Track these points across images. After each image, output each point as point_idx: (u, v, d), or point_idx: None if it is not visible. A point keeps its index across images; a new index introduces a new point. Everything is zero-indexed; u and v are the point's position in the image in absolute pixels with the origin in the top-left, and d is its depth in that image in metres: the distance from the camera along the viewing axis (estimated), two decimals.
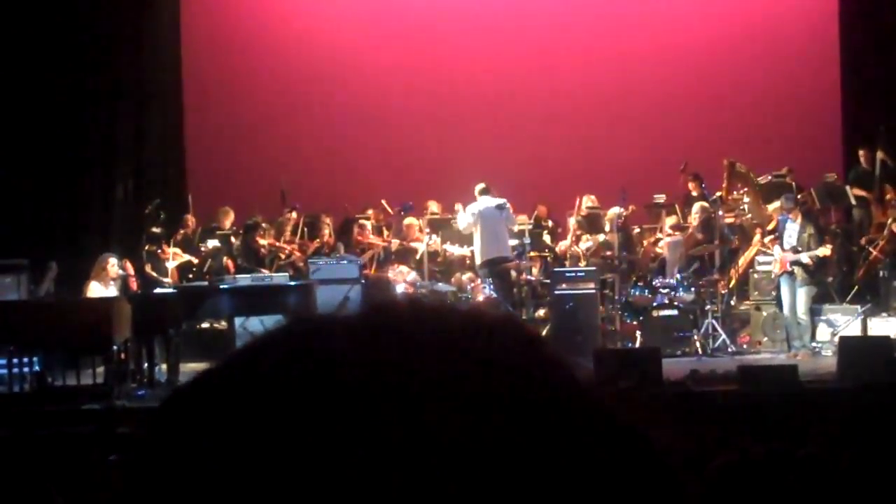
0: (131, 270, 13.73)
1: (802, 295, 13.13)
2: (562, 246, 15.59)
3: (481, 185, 14.67)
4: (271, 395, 0.74)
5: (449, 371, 0.75)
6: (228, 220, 15.74)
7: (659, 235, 15.23)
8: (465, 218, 14.68)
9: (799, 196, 14.26)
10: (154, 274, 14.28)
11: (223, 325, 14.10)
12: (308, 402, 0.73)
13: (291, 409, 0.72)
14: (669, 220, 15.15)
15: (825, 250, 13.10)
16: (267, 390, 0.74)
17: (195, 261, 15.08)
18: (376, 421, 0.71)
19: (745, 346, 13.74)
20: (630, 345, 13.49)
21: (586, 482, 0.73)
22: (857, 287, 14.45)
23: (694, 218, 14.72)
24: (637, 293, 14.07)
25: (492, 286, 14.20)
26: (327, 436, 0.71)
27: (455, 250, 15.32)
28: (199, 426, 0.75)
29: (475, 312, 0.83)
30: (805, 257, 13.00)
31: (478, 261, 14.57)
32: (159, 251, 14.52)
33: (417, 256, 15.04)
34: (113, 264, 13.15)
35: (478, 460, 0.71)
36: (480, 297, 14.10)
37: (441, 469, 0.70)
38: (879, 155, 15.11)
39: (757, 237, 14.47)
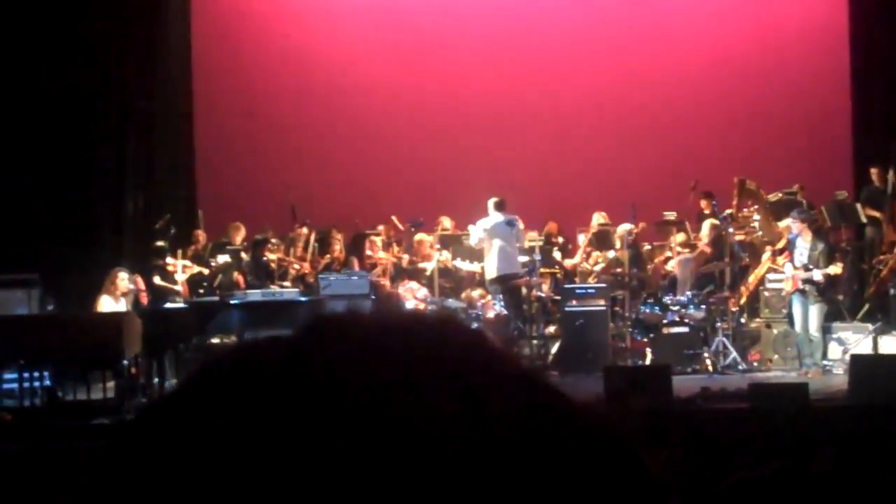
0: (142, 285, 13.75)
1: (814, 312, 13.10)
2: (570, 263, 15.59)
3: (496, 200, 14.65)
4: (216, 415, 0.75)
5: (390, 377, 0.75)
6: (239, 236, 15.74)
7: (669, 253, 15.21)
8: (476, 233, 14.66)
9: (807, 212, 14.24)
10: (164, 283, 14.29)
11: (233, 340, 14.11)
12: (247, 427, 0.74)
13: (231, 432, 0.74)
14: (679, 238, 15.13)
15: (836, 268, 13.07)
16: (214, 410, 0.76)
17: (205, 272, 15.08)
18: (310, 435, 0.72)
19: (755, 364, 13.70)
20: (640, 362, 13.47)
21: (537, 471, 0.74)
22: (867, 305, 14.41)
23: (704, 235, 14.71)
24: (647, 310, 14.06)
25: (502, 302, 14.20)
26: (260, 455, 0.72)
27: (465, 266, 15.31)
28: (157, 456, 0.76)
29: (416, 316, 0.84)
30: (817, 274, 12.97)
31: (488, 276, 14.58)
32: (165, 264, 14.54)
33: (428, 273, 15.04)
34: (123, 279, 13.17)
35: (420, 461, 0.72)
36: (491, 314, 14.09)
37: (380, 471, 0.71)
38: (891, 176, 15.03)
39: (767, 254, 14.42)
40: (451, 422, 0.73)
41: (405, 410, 0.73)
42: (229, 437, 0.73)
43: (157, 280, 14.35)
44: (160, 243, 14.78)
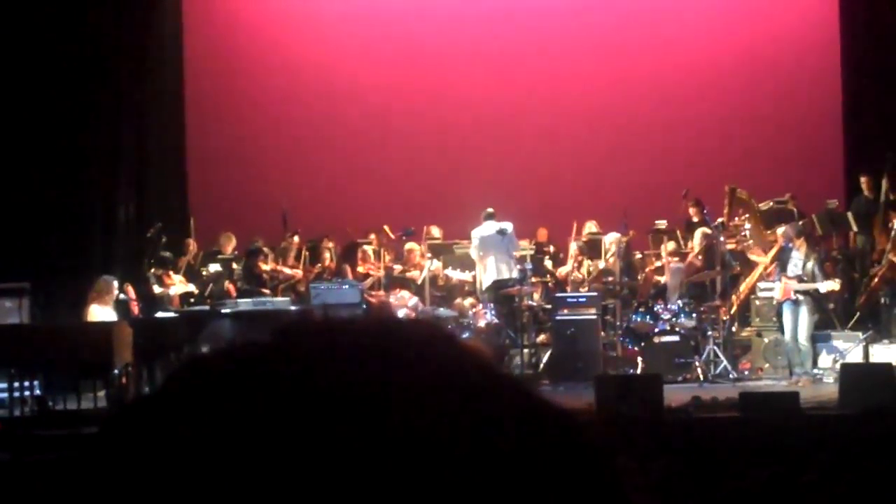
0: (132, 294, 13.71)
1: (804, 321, 13.12)
2: (562, 271, 15.59)
3: (486, 211, 14.74)
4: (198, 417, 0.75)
5: (364, 379, 0.75)
6: (230, 245, 15.73)
7: (661, 261, 15.21)
8: (473, 244, 14.79)
9: (801, 223, 14.27)
10: (158, 290, 14.27)
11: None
12: (226, 429, 0.74)
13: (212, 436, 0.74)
14: (670, 246, 15.14)
15: (834, 285, 13.12)
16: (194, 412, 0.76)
17: (195, 291, 15.00)
18: (288, 441, 0.72)
19: (746, 373, 13.71)
20: (631, 371, 13.47)
21: (502, 464, 0.74)
22: (858, 314, 14.43)
23: (696, 244, 14.72)
24: (638, 319, 14.06)
25: (493, 311, 14.20)
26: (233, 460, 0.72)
27: (456, 275, 15.32)
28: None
29: (393, 320, 0.85)
30: (823, 287, 13.01)
31: (478, 285, 14.64)
32: (164, 276, 14.50)
33: (419, 282, 15.04)
34: (113, 287, 13.14)
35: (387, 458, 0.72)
36: (482, 323, 14.09)
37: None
38: (885, 185, 15.01)
39: (766, 258, 14.28)
40: (426, 424, 0.73)
41: (378, 413, 0.73)
42: (202, 439, 0.73)
43: (154, 289, 14.31)
44: (165, 254, 14.78)
